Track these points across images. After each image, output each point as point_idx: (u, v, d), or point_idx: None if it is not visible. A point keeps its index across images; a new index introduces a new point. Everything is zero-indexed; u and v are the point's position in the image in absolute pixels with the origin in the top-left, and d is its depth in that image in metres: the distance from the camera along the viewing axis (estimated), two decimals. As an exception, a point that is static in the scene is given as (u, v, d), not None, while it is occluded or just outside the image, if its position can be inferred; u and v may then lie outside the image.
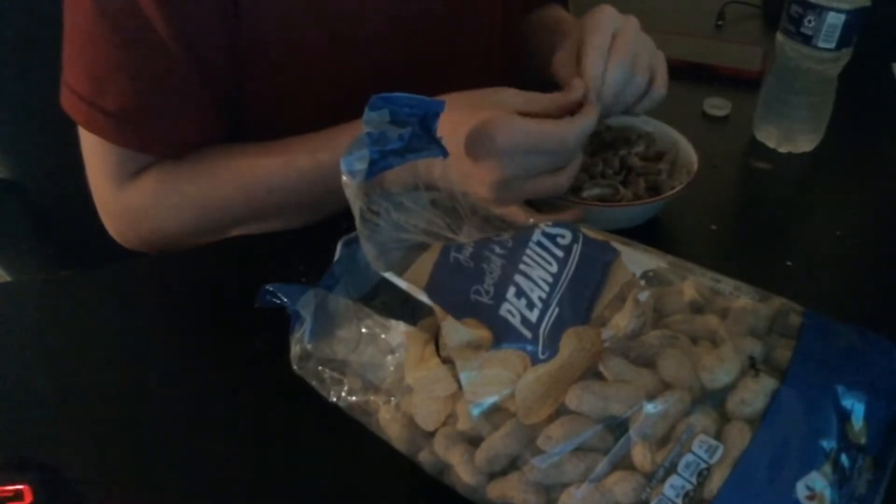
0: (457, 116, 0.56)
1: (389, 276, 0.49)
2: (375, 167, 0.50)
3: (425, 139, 0.51)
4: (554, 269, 0.49)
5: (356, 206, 0.49)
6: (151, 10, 0.63)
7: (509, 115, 0.60)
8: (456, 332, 0.46)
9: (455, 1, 0.77)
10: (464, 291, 0.48)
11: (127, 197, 0.71)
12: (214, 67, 0.69)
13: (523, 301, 0.47)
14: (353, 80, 0.71)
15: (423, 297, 0.48)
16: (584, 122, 0.62)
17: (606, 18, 0.68)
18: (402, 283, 0.49)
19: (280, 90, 0.73)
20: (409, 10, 0.74)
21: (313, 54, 0.71)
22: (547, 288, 0.48)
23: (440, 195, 0.54)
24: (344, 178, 0.49)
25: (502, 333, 0.47)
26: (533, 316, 0.47)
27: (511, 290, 0.48)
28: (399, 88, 0.51)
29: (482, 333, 0.47)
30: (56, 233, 0.97)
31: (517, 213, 0.62)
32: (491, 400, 0.45)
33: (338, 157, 0.50)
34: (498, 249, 0.50)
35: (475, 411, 0.45)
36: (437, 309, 0.47)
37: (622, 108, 0.70)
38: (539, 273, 0.48)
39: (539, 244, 0.50)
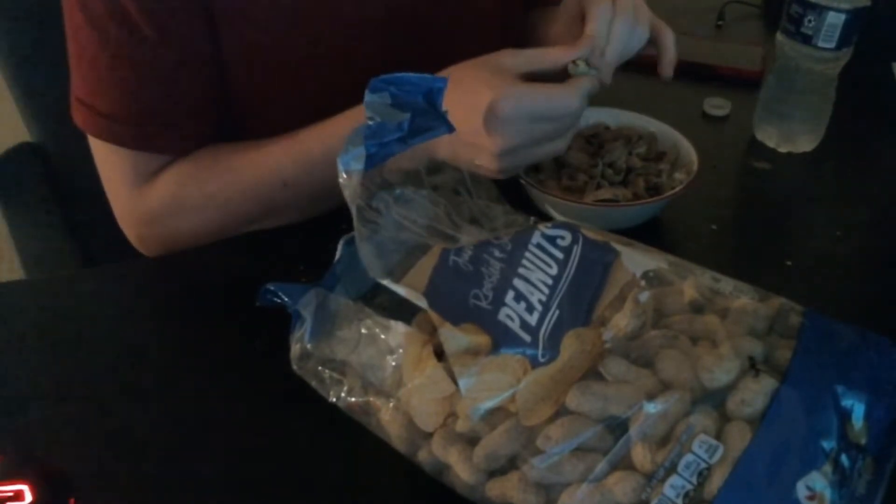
0: (459, 93, 0.56)
1: (387, 283, 0.49)
2: (375, 158, 0.49)
3: (431, 116, 0.50)
4: (554, 271, 0.49)
5: (354, 206, 0.49)
6: (137, 15, 0.65)
7: (514, 84, 0.61)
8: (453, 338, 0.46)
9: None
10: (463, 296, 0.48)
11: (146, 200, 0.72)
12: (201, 67, 0.70)
13: (522, 305, 0.47)
14: (341, 78, 0.71)
15: (423, 304, 0.48)
16: (588, 85, 0.63)
17: None
18: (400, 290, 0.48)
19: (266, 87, 0.73)
20: (407, 9, 0.74)
21: (298, 54, 0.72)
22: (547, 290, 0.48)
23: (442, 179, 0.54)
24: (341, 176, 0.49)
25: (501, 338, 0.46)
26: (532, 319, 0.47)
27: (510, 295, 0.48)
28: None
29: (480, 339, 0.46)
30: (75, 203, 0.96)
31: None
32: (491, 404, 0.45)
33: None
34: (497, 253, 0.50)
35: (475, 416, 0.45)
36: (435, 316, 0.47)
37: (627, 58, 0.69)
38: (538, 276, 0.48)
39: (538, 246, 0.50)
